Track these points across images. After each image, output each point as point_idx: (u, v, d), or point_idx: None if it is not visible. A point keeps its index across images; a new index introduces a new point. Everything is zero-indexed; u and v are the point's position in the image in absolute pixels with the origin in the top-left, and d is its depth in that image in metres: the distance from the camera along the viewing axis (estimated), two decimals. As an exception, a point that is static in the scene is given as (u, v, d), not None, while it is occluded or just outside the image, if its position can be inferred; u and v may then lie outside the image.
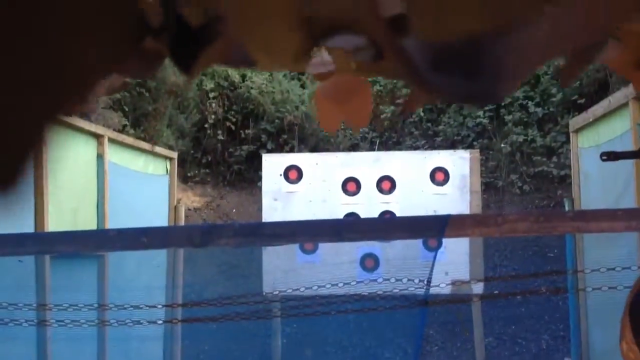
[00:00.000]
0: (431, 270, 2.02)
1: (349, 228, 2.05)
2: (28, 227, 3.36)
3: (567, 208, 5.21)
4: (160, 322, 2.16)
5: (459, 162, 5.84)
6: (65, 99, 0.37)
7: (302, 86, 10.91)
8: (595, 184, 4.79)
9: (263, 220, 5.62)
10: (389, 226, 2.09)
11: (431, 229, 2.05)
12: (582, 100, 9.04)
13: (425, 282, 2.03)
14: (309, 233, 2.07)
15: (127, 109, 9.53)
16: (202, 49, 0.38)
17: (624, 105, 4.17)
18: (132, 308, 2.08)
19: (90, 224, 4.12)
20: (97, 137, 4.38)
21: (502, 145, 9.62)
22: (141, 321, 2.05)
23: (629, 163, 4.03)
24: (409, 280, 2.04)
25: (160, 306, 2.20)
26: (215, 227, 1.95)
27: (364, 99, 0.44)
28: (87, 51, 0.33)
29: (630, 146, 4.09)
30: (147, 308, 2.10)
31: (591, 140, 4.83)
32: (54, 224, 3.55)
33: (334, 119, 0.45)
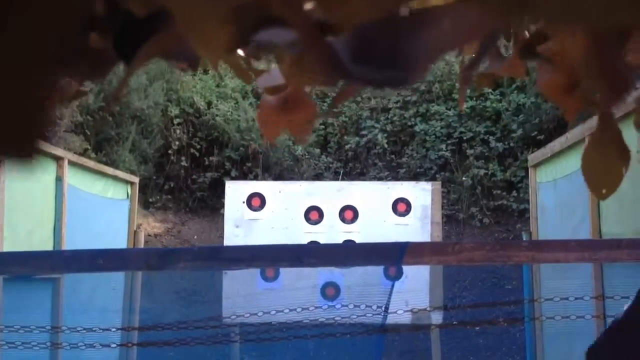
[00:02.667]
0: (389, 298, 2.03)
1: (308, 253, 2.05)
2: (-19, 249, 3.28)
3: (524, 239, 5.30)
4: (114, 345, 2.12)
5: (420, 193, 5.91)
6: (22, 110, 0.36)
7: (268, 115, 10.93)
8: (552, 218, 4.89)
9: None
10: (348, 252, 2.11)
11: (390, 256, 2.07)
12: (542, 137, 9.27)
13: (383, 309, 2.04)
14: (268, 257, 2.07)
15: (89, 133, 9.42)
16: (144, 40, 0.38)
17: (580, 141, 4.29)
18: (84, 331, 2.04)
19: (47, 247, 4.04)
20: (57, 159, 4.32)
21: (464, 178, 9.77)
22: (94, 344, 2.01)
23: (585, 198, 4.13)
24: (366, 306, 2.04)
25: (114, 329, 2.15)
26: (174, 250, 1.93)
27: (307, 112, 0.45)
28: (31, 52, 0.33)
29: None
30: (101, 331, 2.06)
31: (549, 175, 4.95)
32: (8, 245, 3.47)
33: (275, 127, 0.46)
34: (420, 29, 0.27)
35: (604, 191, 0.47)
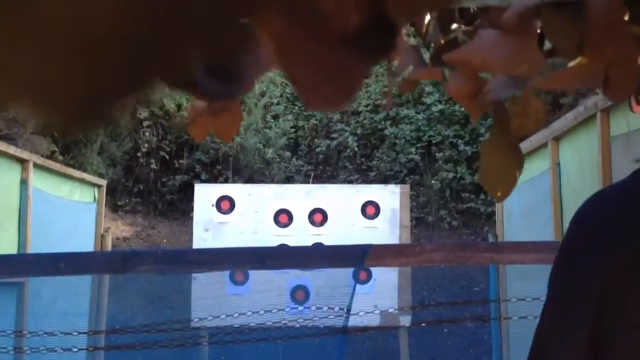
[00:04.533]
0: (350, 300, 2.05)
1: (271, 256, 2.07)
2: (-58, 253, 3.23)
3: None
4: (76, 349, 2.10)
5: (389, 196, 5.95)
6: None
7: (238, 118, 10.91)
8: (517, 221, 4.97)
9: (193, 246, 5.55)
10: (311, 254, 2.13)
11: (352, 258, 2.09)
12: (509, 140, 9.40)
13: (345, 311, 2.06)
14: (231, 261, 2.08)
15: (56, 135, 9.31)
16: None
17: (543, 145, 4.37)
18: (46, 335, 2.02)
19: (11, 250, 3.98)
20: (22, 162, 4.27)
21: (433, 181, 9.86)
22: (56, 349, 2.00)
23: (548, 201, 4.22)
24: (329, 308, 2.06)
25: (75, 333, 2.15)
26: (136, 253, 1.93)
27: (234, 116, 0.47)
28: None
29: (549, 185, 4.28)
30: (63, 335, 2.05)
31: (514, 178, 5.02)
32: (-30, 249, 3.42)
33: (204, 128, 0.48)
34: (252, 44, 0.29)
35: (499, 193, 0.50)
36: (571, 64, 0.39)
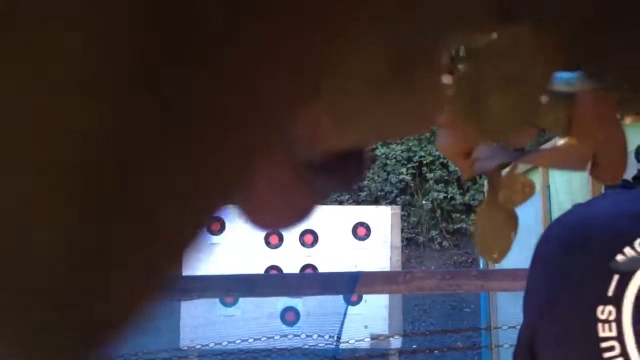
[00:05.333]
0: (341, 327, 2.04)
1: (262, 283, 2.06)
2: None
3: (481, 264, 5.37)
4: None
5: (380, 217, 5.95)
6: None
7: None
8: (508, 242, 4.97)
9: (182, 272, 5.52)
10: (302, 282, 2.12)
11: (343, 286, 2.09)
12: (499, 161, 9.46)
13: (335, 338, 2.05)
14: (221, 287, 2.06)
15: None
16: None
17: (534, 167, 4.39)
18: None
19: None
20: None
21: (424, 202, 9.88)
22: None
23: (539, 222, 4.22)
24: (319, 336, 2.05)
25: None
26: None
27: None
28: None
29: (539, 206, 4.29)
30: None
31: (504, 200, 5.03)
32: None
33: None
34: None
35: (495, 255, 0.50)
36: (560, 142, 0.40)
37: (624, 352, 0.60)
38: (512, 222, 0.50)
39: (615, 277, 0.62)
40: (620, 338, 0.60)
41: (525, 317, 0.71)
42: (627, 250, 0.62)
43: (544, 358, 0.66)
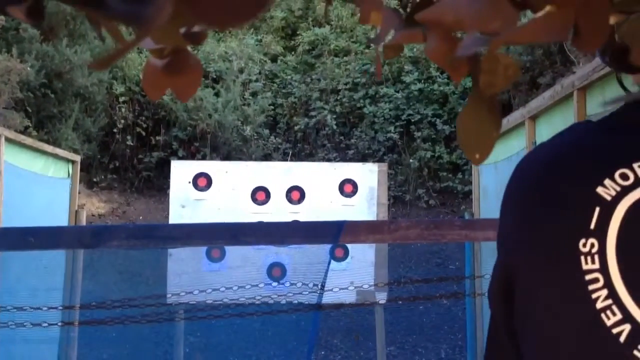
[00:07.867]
0: (325, 275, 2.05)
1: (245, 231, 2.05)
2: None
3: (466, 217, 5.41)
4: (46, 324, 2.07)
5: (367, 174, 5.95)
6: None
7: (217, 94, 10.83)
8: (493, 199, 5.00)
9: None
10: (285, 230, 2.11)
11: (327, 235, 2.08)
12: (487, 120, 9.44)
13: (319, 287, 2.05)
14: (204, 236, 2.05)
15: (30, 110, 9.15)
16: None
17: (521, 124, 4.38)
18: (15, 310, 1.99)
19: (-19, 226, 3.92)
20: (-7, 135, 4.19)
21: (411, 160, 9.89)
22: (25, 323, 1.96)
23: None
24: (303, 284, 2.05)
25: (45, 308, 2.11)
26: (107, 228, 1.90)
27: (193, 73, 0.45)
28: None
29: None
30: (32, 310, 2.01)
31: (490, 158, 5.04)
32: (-61, 224, 3.35)
33: (159, 86, 0.45)
34: None
35: (477, 155, 0.49)
36: (539, 14, 0.38)
37: (608, 284, 0.59)
38: (496, 121, 0.48)
39: (597, 210, 0.61)
40: (603, 270, 0.60)
41: (500, 255, 0.71)
42: (607, 182, 0.62)
43: (524, 294, 0.66)
